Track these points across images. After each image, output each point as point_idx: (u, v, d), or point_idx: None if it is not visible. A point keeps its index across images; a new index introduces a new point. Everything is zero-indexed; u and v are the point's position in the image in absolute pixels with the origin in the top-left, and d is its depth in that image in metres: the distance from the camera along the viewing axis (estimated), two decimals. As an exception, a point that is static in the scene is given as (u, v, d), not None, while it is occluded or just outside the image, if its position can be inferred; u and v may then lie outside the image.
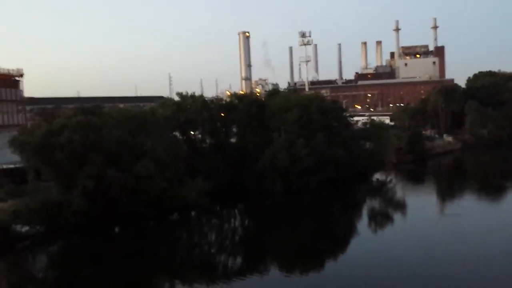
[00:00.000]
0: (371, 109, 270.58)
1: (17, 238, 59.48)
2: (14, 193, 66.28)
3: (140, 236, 62.74)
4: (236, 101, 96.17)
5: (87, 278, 50.00)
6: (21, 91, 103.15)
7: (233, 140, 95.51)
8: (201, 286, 44.98)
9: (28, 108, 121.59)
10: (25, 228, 60.88)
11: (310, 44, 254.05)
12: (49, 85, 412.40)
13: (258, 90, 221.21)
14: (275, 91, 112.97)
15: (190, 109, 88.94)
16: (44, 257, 59.62)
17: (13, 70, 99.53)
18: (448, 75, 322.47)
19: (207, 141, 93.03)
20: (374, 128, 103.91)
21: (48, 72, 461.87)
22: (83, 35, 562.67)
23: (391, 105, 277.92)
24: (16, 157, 74.03)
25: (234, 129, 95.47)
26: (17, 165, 77.57)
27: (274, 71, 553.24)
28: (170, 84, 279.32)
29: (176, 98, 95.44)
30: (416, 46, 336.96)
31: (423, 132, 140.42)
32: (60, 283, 48.68)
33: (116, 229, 65.41)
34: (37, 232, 61.44)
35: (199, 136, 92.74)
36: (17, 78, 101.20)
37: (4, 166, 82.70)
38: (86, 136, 65.74)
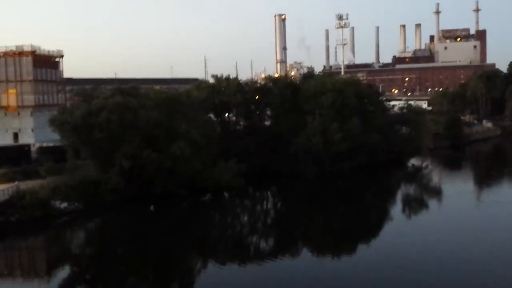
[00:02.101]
0: (409, 94, 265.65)
1: (56, 214, 61.48)
2: (54, 170, 68.31)
3: (174, 216, 63.91)
4: (271, 84, 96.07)
5: (122, 254, 51.48)
6: (61, 71, 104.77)
7: (267, 123, 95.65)
8: (233, 266, 45.59)
9: (67, 88, 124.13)
10: (64, 205, 62.81)
11: (347, 27, 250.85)
12: (87, 66, 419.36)
13: (293, 73, 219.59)
14: (310, 75, 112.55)
15: (225, 92, 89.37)
16: (81, 233, 61.43)
17: (53, 51, 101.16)
18: (489, 60, 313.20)
19: (241, 123, 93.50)
20: (411, 113, 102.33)
21: (86, 53, 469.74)
22: (120, 17, 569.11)
23: (429, 89, 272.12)
24: (56, 136, 76.19)
25: (268, 112, 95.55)
26: (56, 144, 79.85)
27: (310, 54, 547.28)
28: (205, 67, 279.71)
29: (211, 81, 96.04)
30: (456, 30, 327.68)
31: (462, 117, 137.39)
32: (97, 258, 50.15)
33: (151, 208, 66.73)
34: (75, 209, 63.33)
35: (233, 118, 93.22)
36: (57, 59, 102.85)
37: (44, 145, 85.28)
38: (123, 117, 66.98)
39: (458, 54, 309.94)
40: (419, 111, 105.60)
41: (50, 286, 42.30)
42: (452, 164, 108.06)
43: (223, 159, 74.11)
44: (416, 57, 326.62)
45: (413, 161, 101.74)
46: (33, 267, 50.58)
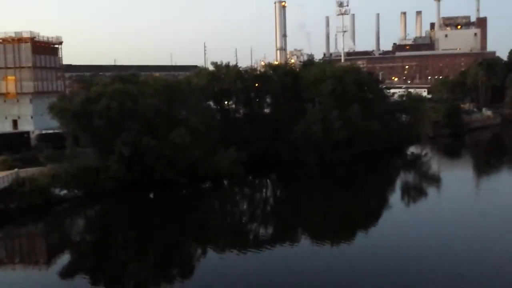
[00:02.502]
0: (409, 82, 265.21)
1: (55, 201, 61.63)
2: (53, 157, 68.27)
3: (174, 203, 64.05)
4: (271, 71, 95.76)
5: (122, 241, 51.68)
6: (60, 58, 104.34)
7: (266, 110, 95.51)
8: (232, 253, 45.78)
9: (66, 75, 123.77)
10: (64, 192, 62.95)
11: (347, 14, 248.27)
12: (87, 53, 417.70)
13: (293, 60, 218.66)
14: (310, 62, 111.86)
15: (225, 79, 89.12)
16: (81, 220, 61.59)
17: (52, 37, 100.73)
18: (490, 48, 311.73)
19: (241, 111, 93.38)
20: (411, 101, 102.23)
21: (85, 40, 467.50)
22: (120, 4, 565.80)
23: (429, 77, 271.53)
24: (55, 123, 76.08)
25: (268, 100, 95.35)
26: (56, 131, 79.75)
27: (310, 42, 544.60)
28: (205, 54, 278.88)
29: (211, 68, 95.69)
30: (457, 17, 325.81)
31: (462, 105, 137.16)
32: (97, 245, 50.30)
33: (151, 196, 66.87)
34: (75, 196, 63.45)
35: (233, 106, 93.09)
36: (56, 46, 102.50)
37: (44, 132, 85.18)
38: (123, 104, 66.83)
39: (458, 41, 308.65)
40: (419, 99, 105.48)
41: (50, 273, 42.46)
42: (451, 152, 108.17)
43: (222, 146, 74.08)
44: (416, 45, 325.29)
45: (413, 149, 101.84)
46: (33, 254, 50.73)
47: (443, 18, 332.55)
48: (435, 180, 76.77)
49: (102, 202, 64.66)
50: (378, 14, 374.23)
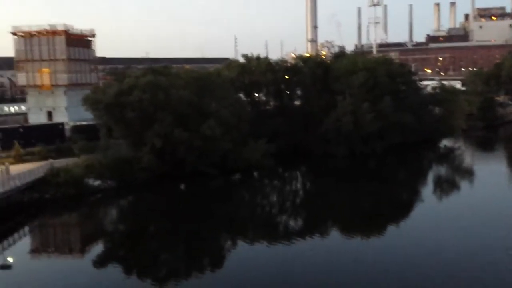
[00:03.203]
0: (442, 73, 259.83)
1: (89, 191, 62.83)
2: (87, 148, 69.54)
3: (205, 195, 64.44)
4: (301, 63, 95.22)
5: (154, 231, 52.35)
6: (93, 51, 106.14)
7: (297, 102, 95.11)
8: (262, 245, 45.84)
9: (100, 67, 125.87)
10: (97, 182, 64.11)
11: (379, 5, 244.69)
12: (119, 46, 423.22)
13: (323, 52, 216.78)
14: (341, 54, 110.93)
15: (255, 71, 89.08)
16: (114, 210, 62.63)
17: (85, 30, 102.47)
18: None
19: (271, 103, 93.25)
20: (444, 93, 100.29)
21: (118, 33, 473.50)
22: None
23: (463, 69, 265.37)
24: (88, 115, 77.38)
25: (298, 92, 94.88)
26: (89, 122, 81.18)
27: (341, 33, 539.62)
28: (236, 46, 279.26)
29: (241, 60, 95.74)
30: (492, 8, 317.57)
31: (496, 98, 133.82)
32: (129, 235, 51.04)
33: (182, 187, 67.44)
34: (108, 187, 64.52)
35: (263, 98, 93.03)
36: (89, 38, 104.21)
37: (78, 123, 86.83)
38: (155, 96, 67.49)
39: (493, 33, 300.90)
40: (452, 91, 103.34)
41: (84, 262, 43.33)
42: (485, 145, 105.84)
43: (253, 138, 74.16)
44: (450, 36, 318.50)
45: (446, 142, 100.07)
46: (67, 243, 51.84)
47: (478, 9, 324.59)
48: (469, 174, 75.25)
49: (134, 193, 65.59)
50: (411, 5, 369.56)
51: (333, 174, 76.54)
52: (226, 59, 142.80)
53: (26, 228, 54.40)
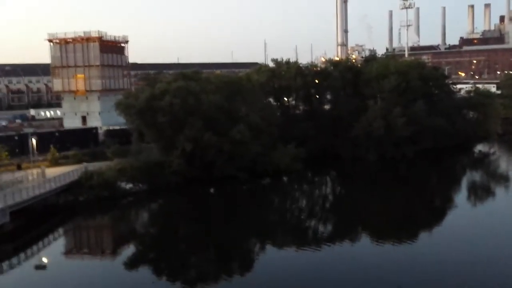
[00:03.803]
0: (476, 77, 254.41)
1: (121, 194, 63.87)
2: (119, 152, 70.77)
3: (235, 199, 64.74)
4: (331, 67, 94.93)
5: (184, 234, 52.84)
6: (126, 57, 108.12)
7: (327, 107, 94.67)
8: (291, 250, 45.70)
9: (132, 73, 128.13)
10: (129, 185, 65.12)
11: (411, 8, 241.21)
12: (151, 52, 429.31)
13: (354, 56, 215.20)
14: (372, 57, 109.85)
15: (285, 76, 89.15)
16: (145, 213, 63.48)
17: (119, 36, 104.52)
18: None
19: (301, 107, 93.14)
20: (479, 97, 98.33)
21: (150, 39, 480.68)
22: (182, 3, 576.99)
23: (498, 72, 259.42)
24: (121, 119, 78.74)
25: (328, 96, 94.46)
26: (122, 127, 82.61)
27: (372, 37, 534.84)
28: (265, 51, 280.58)
29: (271, 65, 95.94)
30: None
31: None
32: (159, 238, 51.72)
33: (212, 191, 67.93)
34: (140, 190, 65.47)
35: (293, 102, 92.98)
36: (122, 45, 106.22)
37: (111, 127, 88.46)
38: (185, 101, 68.25)
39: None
40: (487, 94, 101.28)
41: (115, 264, 44.04)
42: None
43: (282, 143, 74.16)
44: (485, 39, 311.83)
45: (481, 147, 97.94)
46: (100, 245, 52.84)
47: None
48: (504, 180, 73.40)
49: (165, 196, 66.32)
50: (444, 7, 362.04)
51: (363, 179, 75.84)
52: (256, 63, 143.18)
53: (61, 230, 55.70)
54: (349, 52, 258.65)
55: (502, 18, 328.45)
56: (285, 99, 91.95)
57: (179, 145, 67.25)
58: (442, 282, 36.39)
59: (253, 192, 68.35)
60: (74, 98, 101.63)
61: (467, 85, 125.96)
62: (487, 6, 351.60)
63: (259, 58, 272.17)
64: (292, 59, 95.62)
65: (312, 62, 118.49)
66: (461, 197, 64.50)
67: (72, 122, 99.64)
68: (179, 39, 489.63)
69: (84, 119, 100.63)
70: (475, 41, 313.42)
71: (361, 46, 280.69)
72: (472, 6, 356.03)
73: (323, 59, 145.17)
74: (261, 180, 71.53)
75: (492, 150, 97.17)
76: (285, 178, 74.33)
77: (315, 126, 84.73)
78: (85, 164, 65.88)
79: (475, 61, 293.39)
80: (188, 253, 46.55)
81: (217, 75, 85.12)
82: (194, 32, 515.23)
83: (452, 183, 74.08)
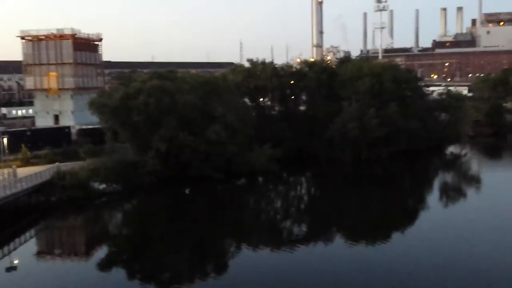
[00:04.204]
0: (448, 79, 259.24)
1: (95, 194, 63.02)
2: (93, 152, 69.86)
3: (210, 199, 64.54)
4: (306, 68, 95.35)
5: (158, 235, 52.35)
6: (100, 55, 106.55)
7: (302, 107, 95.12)
8: (266, 250, 45.76)
9: (106, 71, 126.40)
10: (102, 186, 64.33)
11: (385, 10, 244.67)
12: (126, 50, 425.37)
13: (329, 57, 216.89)
14: (346, 59, 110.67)
15: (260, 76, 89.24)
16: (119, 213, 62.79)
17: (92, 34, 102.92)
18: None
19: (276, 108, 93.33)
20: (451, 99, 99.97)
21: (124, 37, 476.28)
22: (158, 2, 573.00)
23: (470, 75, 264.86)
24: (94, 118, 77.72)
25: (304, 97, 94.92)
26: (95, 126, 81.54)
27: (346, 38, 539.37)
28: (241, 51, 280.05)
29: (247, 65, 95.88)
30: (500, 13, 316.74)
31: (504, 104, 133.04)
32: (134, 238, 51.18)
33: (187, 191, 67.52)
34: (113, 190, 64.72)
35: (268, 103, 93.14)
36: (96, 42, 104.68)
37: (84, 127, 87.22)
38: (160, 100, 67.76)
39: (501, 38, 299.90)
40: (459, 97, 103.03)
41: (88, 265, 43.42)
42: (492, 152, 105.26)
43: (258, 143, 74.23)
44: (457, 42, 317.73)
45: (452, 149, 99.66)
46: (72, 246, 52.04)
47: (485, 14, 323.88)
48: (475, 181, 74.85)
49: (139, 197, 65.73)
50: (417, 10, 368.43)
51: (338, 179, 76.43)
52: (232, 63, 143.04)
53: (33, 231, 54.73)
54: (324, 53, 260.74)
55: (474, 22, 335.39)
56: (261, 99, 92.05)
57: (154, 144, 66.73)
58: (414, 282, 36.90)
59: (228, 193, 68.24)
60: (47, 97, 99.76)
61: (439, 88, 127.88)
62: (460, 9, 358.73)
63: (234, 58, 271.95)
64: (268, 60, 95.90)
65: (287, 62, 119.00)
66: (433, 198, 65.46)
67: (44, 121, 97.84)
68: (154, 38, 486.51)
69: (56, 118, 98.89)
70: (448, 44, 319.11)
71: (336, 47, 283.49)
72: (445, 9, 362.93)
73: (298, 60, 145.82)
74: (236, 180, 71.49)
75: (463, 152, 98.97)
76: (260, 179, 74.43)
77: (291, 127, 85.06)
78: (57, 164, 64.83)
79: (447, 64, 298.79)
80: (163, 254, 46.19)
81: (193, 75, 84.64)
82: (169, 31, 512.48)
83: (425, 184, 75.23)
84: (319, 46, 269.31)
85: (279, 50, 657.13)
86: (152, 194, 65.42)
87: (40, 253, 47.47)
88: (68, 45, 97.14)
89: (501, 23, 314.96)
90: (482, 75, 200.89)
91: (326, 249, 45.66)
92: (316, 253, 44.37)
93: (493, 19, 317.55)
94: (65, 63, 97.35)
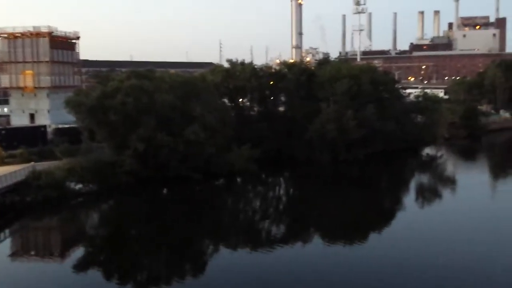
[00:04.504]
0: (425, 82, 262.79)
1: (71, 195, 62.25)
2: (69, 152, 68.91)
3: (188, 199, 64.27)
4: (286, 69, 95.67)
5: (136, 236, 52.01)
6: (77, 53, 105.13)
7: (281, 108, 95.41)
8: (244, 251, 45.80)
9: (83, 70, 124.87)
10: (79, 186, 63.57)
11: (364, 13, 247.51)
12: (104, 49, 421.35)
13: (308, 59, 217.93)
14: (325, 61, 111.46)
15: (239, 76, 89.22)
16: (95, 214, 62.08)
17: (69, 32, 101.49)
18: (509, 49, 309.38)
19: (255, 109, 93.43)
20: (427, 101, 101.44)
21: (102, 36, 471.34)
22: (136, 1, 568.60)
23: (446, 78, 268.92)
24: (71, 117, 76.75)
25: (283, 98, 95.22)
26: (72, 125, 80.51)
27: (325, 38, 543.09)
28: (221, 51, 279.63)
29: (226, 65, 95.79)
30: (476, 17, 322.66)
31: (479, 107, 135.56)
32: (110, 239, 50.68)
33: (165, 191, 67.14)
34: (90, 190, 63.99)
35: (248, 103, 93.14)
36: (73, 41, 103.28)
37: (60, 126, 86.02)
38: (138, 99, 67.25)
39: (477, 42, 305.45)
40: (435, 99, 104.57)
41: (64, 266, 42.89)
42: (467, 154, 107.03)
43: (236, 144, 74.21)
44: (434, 45, 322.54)
45: (428, 150, 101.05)
46: (48, 247, 51.35)
47: (462, 18, 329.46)
48: (450, 183, 76.05)
49: (116, 197, 65.13)
50: (395, 13, 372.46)
51: (316, 180, 76.83)
52: (211, 63, 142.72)
53: (7, 231, 53.72)
54: (303, 54, 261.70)
55: (450, 25, 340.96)
56: (240, 100, 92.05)
57: (131, 144, 66.17)
58: (391, 281, 37.35)
59: (207, 193, 68.07)
60: (22, 95, 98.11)
61: (416, 90, 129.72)
62: (437, 13, 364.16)
63: (214, 58, 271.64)
64: (247, 60, 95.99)
65: (267, 63, 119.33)
66: (410, 199, 66.35)
67: (19, 120, 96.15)
68: (133, 37, 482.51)
69: (32, 116, 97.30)
70: (425, 47, 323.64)
71: (315, 49, 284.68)
72: (422, 13, 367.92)
73: (277, 61, 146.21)
74: (215, 181, 71.37)
75: (439, 154, 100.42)
76: (239, 179, 74.46)
77: (270, 127, 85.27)
78: (33, 163, 63.82)
79: (424, 67, 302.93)
80: (140, 255, 45.86)
81: (172, 75, 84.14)
82: (148, 30, 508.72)
83: (401, 185, 76.14)
84: (298, 47, 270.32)
85: (259, 51, 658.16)
86: (130, 194, 64.88)
87: (14, 254, 46.68)
88: (44, 43, 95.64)
89: (477, 27, 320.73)
90: (458, 78, 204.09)
91: (304, 250, 45.88)
92: (294, 253, 44.57)
93: (469, 23, 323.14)
94: (42, 61, 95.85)
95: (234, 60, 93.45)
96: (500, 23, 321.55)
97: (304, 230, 52.76)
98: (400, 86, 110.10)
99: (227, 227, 54.92)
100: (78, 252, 47.01)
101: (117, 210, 63.49)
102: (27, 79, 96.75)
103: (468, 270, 39.34)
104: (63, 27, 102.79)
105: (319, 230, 52.84)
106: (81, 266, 41.74)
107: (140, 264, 43.83)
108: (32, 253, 48.20)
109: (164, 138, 65.77)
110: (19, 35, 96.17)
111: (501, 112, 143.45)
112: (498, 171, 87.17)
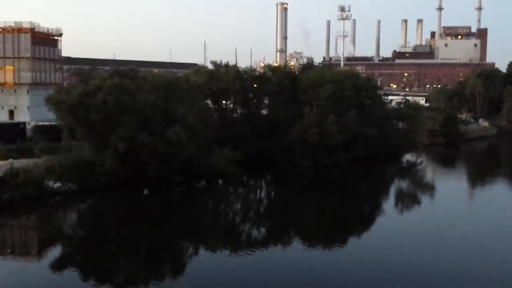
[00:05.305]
0: (407, 89, 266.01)
1: (49, 193, 61.38)
2: (48, 149, 68.11)
3: (168, 201, 63.94)
4: (270, 73, 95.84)
5: (114, 236, 51.52)
6: (59, 50, 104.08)
7: (264, 111, 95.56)
8: (224, 253, 45.62)
9: (65, 67, 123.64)
10: (57, 185, 62.68)
11: (348, 19, 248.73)
12: (86, 46, 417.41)
13: (292, 63, 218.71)
14: (309, 65, 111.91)
15: (223, 78, 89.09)
16: (74, 213, 61.37)
17: (52, 29, 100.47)
18: (489, 59, 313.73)
19: (238, 111, 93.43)
20: (408, 108, 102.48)
21: (85, 33, 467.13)
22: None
23: (427, 86, 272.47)
24: (51, 115, 75.83)
25: (266, 101, 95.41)
26: (52, 123, 79.53)
27: (310, 45, 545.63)
28: (205, 52, 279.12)
29: (210, 66, 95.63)
30: (458, 27, 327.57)
31: (459, 115, 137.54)
32: (88, 239, 50.12)
33: (145, 192, 66.67)
34: (69, 189, 63.21)
35: (231, 105, 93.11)
36: (55, 37, 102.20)
37: (40, 123, 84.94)
38: (120, 99, 66.65)
39: (458, 51, 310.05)
40: (416, 107, 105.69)
41: (41, 265, 42.28)
42: (446, 161, 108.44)
43: (218, 145, 74.06)
44: (416, 53, 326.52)
45: (408, 156, 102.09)
46: (24, 246, 50.60)
47: (444, 27, 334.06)
48: (429, 189, 76.82)
49: (95, 197, 64.46)
50: (379, 21, 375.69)
51: (297, 184, 77.07)
52: (195, 64, 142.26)
53: (-19, 229, 52.84)
54: (287, 58, 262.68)
55: (433, 34, 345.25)
56: (223, 102, 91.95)
57: (112, 144, 65.53)
58: (369, 286, 37.58)
59: (187, 194, 67.78)
60: (2, 91, 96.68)
61: (398, 97, 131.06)
62: (420, 21, 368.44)
63: (198, 59, 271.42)
64: (232, 62, 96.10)
65: (251, 66, 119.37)
66: (389, 204, 66.89)
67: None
68: (116, 35, 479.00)
69: (11, 113, 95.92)
70: (407, 54, 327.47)
71: (300, 53, 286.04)
72: (406, 21, 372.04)
73: (262, 64, 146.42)
74: (196, 182, 71.08)
75: (418, 160, 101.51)
76: (220, 181, 74.30)
77: (252, 130, 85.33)
78: (10, 160, 62.86)
79: (406, 74, 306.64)
80: (118, 255, 45.47)
81: (155, 74, 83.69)
82: (132, 29, 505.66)
83: (381, 190, 76.70)
84: (282, 51, 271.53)
85: (243, 53, 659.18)
86: (109, 194, 64.26)
87: (-11, 253, 45.91)
88: (26, 38, 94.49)
89: (459, 37, 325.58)
90: (439, 86, 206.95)
91: (283, 253, 45.87)
92: (274, 256, 44.59)
93: (451, 32, 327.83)
94: (23, 57, 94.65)
95: (218, 61, 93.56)
96: (482, 34, 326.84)
97: (284, 233, 52.79)
98: (382, 93, 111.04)
99: (207, 229, 54.68)
100: (55, 252, 46.46)
101: (96, 210, 62.85)
102: (7, 74, 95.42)
103: (444, 273, 39.75)
104: (45, 23, 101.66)
105: (298, 233, 52.89)
106: (58, 266, 41.21)
107: (118, 265, 43.42)
108: (8, 251, 47.34)
109: (145, 138, 65.31)
110: (0, 30, 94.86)
111: (480, 120, 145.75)
112: (475, 178, 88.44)
